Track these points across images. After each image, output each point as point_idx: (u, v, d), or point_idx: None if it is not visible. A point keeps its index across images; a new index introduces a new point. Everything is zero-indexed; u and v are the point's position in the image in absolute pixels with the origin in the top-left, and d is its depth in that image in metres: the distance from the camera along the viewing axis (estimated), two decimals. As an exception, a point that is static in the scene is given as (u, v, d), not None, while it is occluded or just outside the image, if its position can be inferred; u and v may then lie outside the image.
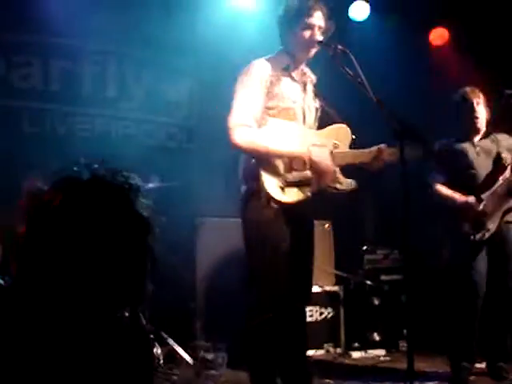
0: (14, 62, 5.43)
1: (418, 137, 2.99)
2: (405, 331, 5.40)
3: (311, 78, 3.53)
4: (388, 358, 5.32)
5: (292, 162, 3.23)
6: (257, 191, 3.19)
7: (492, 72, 5.48)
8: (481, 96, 4.52)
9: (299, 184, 3.22)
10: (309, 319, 5.16)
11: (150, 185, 4.94)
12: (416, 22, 6.15)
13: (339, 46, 3.19)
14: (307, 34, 3.32)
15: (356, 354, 5.44)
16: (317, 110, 3.50)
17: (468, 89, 4.53)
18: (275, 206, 3.17)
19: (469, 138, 4.54)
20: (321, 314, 5.42)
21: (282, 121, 3.28)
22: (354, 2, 6.25)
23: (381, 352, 5.50)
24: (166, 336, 4.93)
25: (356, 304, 5.62)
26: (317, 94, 3.49)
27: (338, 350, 5.43)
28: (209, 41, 5.72)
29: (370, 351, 5.50)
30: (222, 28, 5.75)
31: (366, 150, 3.37)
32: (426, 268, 5.24)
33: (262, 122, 3.26)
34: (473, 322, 4.36)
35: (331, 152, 3.31)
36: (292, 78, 3.40)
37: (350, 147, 3.42)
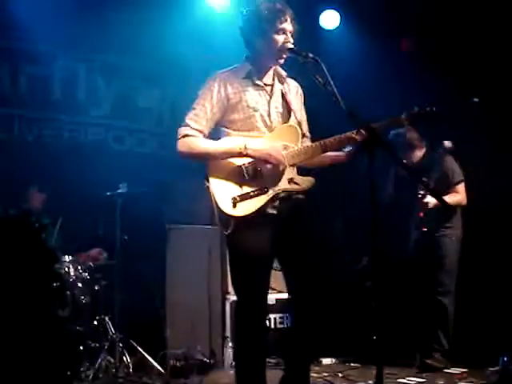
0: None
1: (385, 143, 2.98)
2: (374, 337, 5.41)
3: (283, 76, 3.48)
4: (358, 365, 5.34)
5: (242, 175, 3.22)
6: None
7: (459, 79, 5.57)
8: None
9: (252, 196, 3.20)
10: (273, 327, 5.28)
11: (119, 190, 4.90)
12: (386, 30, 6.21)
13: (310, 55, 3.18)
14: (280, 38, 3.30)
15: (326, 361, 5.47)
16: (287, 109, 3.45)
17: (414, 135, 5.00)
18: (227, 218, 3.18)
19: None
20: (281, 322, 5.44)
21: (237, 135, 3.28)
22: (325, 11, 6.31)
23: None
24: (135, 344, 4.88)
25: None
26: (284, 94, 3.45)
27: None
28: (181, 48, 5.71)
29: (340, 358, 5.53)
30: (194, 35, 5.75)
31: (313, 144, 3.34)
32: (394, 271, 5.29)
33: (220, 136, 3.30)
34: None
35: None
36: (255, 85, 3.37)
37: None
